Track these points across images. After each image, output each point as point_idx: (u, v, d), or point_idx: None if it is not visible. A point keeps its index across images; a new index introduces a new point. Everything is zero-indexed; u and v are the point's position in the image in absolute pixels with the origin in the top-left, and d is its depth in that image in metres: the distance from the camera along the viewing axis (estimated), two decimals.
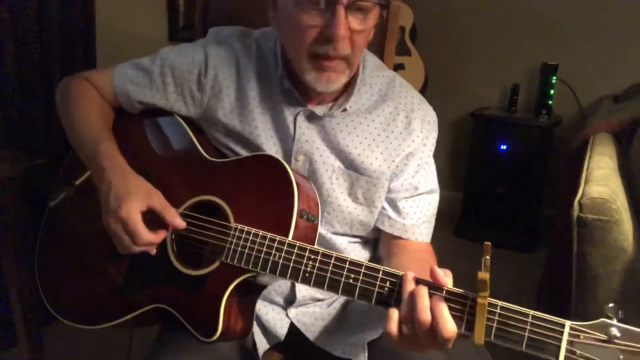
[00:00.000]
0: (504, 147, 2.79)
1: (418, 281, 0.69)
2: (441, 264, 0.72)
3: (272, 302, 0.99)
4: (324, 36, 0.82)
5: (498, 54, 3.03)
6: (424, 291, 0.67)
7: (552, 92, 2.78)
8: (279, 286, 0.97)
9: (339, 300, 1.02)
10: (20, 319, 1.45)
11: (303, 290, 0.97)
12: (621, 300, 1.20)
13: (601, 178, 1.33)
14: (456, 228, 2.95)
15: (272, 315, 0.98)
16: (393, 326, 0.67)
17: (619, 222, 1.17)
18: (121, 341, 1.12)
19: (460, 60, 3.13)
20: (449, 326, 0.64)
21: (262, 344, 0.97)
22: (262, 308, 0.98)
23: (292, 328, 0.98)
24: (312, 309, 0.99)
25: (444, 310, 0.65)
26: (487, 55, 3.06)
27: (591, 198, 1.19)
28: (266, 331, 0.99)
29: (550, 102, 2.78)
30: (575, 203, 1.20)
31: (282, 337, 0.98)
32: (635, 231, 1.22)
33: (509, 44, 2.98)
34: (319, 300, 1.00)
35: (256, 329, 0.98)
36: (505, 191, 2.81)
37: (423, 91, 2.95)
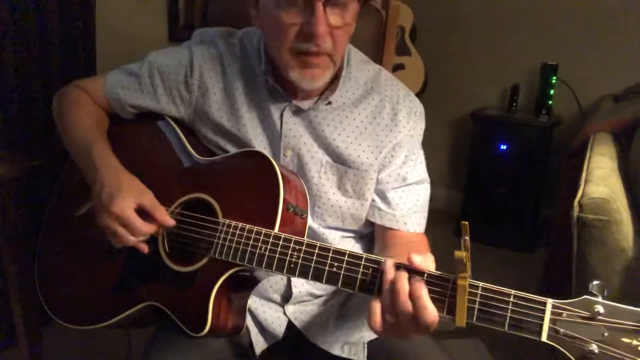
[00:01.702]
0: (504, 147, 2.79)
1: (398, 267, 0.69)
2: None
3: (269, 299, 0.99)
4: (304, 33, 0.83)
5: (498, 54, 3.03)
6: (403, 279, 0.67)
7: (552, 92, 2.78)
8: (275, 283, 0.97)
9: (337, 298, 1.02)
10: (20, 319, 1.45)
11: (299, 286, 0.98)
12: (621, 300, 1.20)
13: (601, 178, 1.33)
14: (456, 228, 2.95)
15: (270, 314, 0.98)
16: (377, 319, 0.68)
17: (619, 222, 1.17)
18: (121, 341, 1.13)
19: (460, 60, 3.13)
20: (430, 312, 0.64)
21: (259, 343, 0.98)
22: (259, 306, 0.99)
23: (290, 327, 0.98)
24: (310, 307, 1.00)
25: (424, 296, 0.65)
26: (487, 55, 3.06)
27: (591, 198, 1.19)
28: (263, 330, 0.99)
29: (550, 102, 2.78)
30: (575, 203, 1.21)
31: (280, 336, 0.98)
32: (635, 231, 1.22)
33: (509, 44, 2.98)
34: (316, 297, 1.00)
35: (253, 329, 0.98)
36: (505, 191, 2.81)
37: (423, 91, 2.95)
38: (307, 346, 0.97)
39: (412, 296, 0.65)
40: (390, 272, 0.69)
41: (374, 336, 0.95)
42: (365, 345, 0.95)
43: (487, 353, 1.81)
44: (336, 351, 0.95)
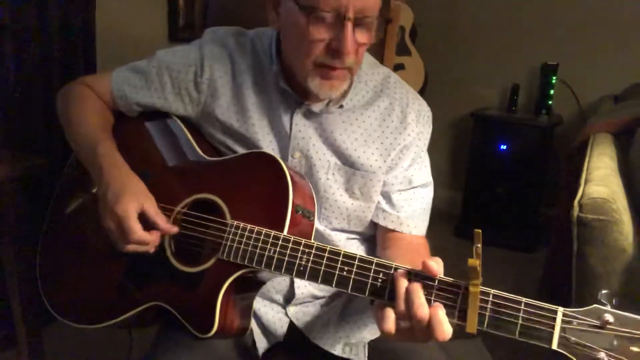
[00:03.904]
0: (504, 147, 2.79)
1: (410, 274, 0.69)
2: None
3: (271, 300, 0.99)
4: (332, 49, 0.83)
5: (498, 54, 3.03)
6: (418, 289, 0.66)
7: (552, 92, 2.78)
8: (278, 284, 0.97)
9: (338, 299, 1.02)
10: (20, 320, 1.45)
11: (302, 287, 0.98)
12: (621, 300, 1.20)
13: (601, 178, 1.33)
14: (456, 228, 2.95)
15: (272, 315, 0.98)
16: (391, 326, 0.67)
17: (619, 222, 1.17)
18: (121, 341, 1.12)
19: (460, 60, 3.13)
20: (445, 328, 0.64)
21: (262, 344, 0.98)
22: (262, 307, 0.99)
23: (292, 327, 0.98)
24: (312, 308, 1.00)
25: (440, 313, 0.65)
26: (487, 55, 3.06)
27: (591, 198, 1.19)
28: (266, 331, 0.99)
29: (550, 102, 2.79)
30: (575, 203, 1.21)
31: (282, 337, 0.98)
32: (635, 231, 1.22)
33: (509, 44, 2.99)
34: (318, 298, 1.00)
35: (256, 329, 0.98)
36: (505, 191, 2.81)
37: (423, 91, 2.95)
38: (309, 346, 0.96)
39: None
40: (403, 280, 0.68)
41: (374, 337, 0.95)
42: (366, 346, 0.95)
43: (487, 353, 1.82)
44: (337, 351, 0.95)
